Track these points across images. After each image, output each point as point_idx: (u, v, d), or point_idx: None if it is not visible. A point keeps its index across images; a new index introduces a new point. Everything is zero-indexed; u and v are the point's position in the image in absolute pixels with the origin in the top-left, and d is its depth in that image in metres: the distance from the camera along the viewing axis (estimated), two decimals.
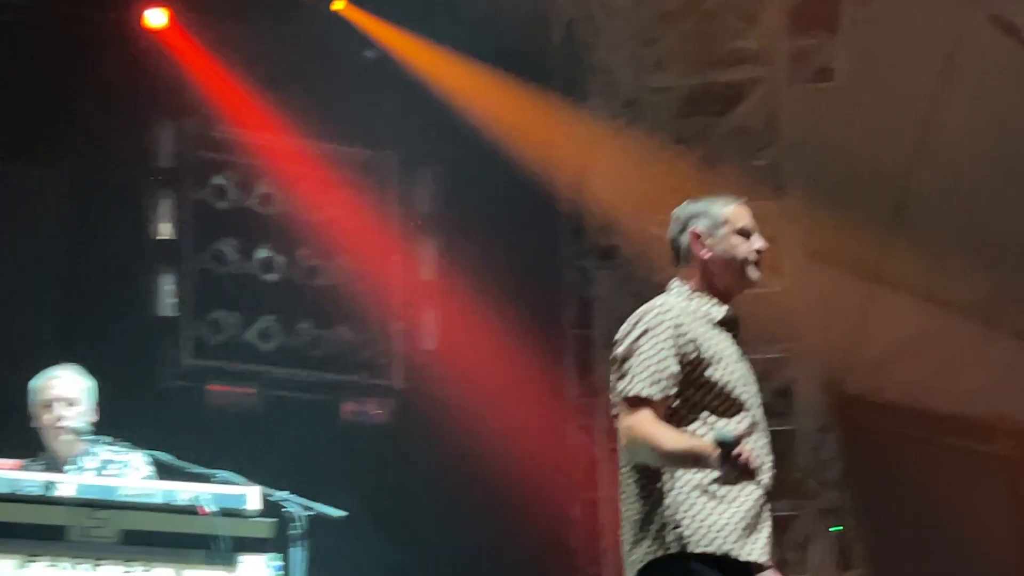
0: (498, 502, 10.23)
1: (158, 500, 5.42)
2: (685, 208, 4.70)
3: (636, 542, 4.45)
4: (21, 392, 6.69)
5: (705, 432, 4.35)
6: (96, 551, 5.24)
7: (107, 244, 9.94)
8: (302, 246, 10.70)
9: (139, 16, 10.23)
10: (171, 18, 10.28)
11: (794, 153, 11.61)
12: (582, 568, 11.05)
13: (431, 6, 10.82)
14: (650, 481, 4.41)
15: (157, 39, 10.24)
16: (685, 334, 4.42)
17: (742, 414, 4.45)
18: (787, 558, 10.98)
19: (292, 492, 5.56)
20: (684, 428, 4.37)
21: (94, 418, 6.41)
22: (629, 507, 4.50)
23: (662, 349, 4.36)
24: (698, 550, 4.28)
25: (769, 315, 12.03)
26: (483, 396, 10.30)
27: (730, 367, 4.49)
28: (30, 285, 9.85)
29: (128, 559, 5.27)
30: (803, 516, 10.76)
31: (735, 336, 4.67)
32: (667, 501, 4.35)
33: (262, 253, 10.57)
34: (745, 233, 4.61)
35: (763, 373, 12.39)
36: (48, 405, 6.52)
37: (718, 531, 4.30)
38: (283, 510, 5.52)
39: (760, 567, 4.39)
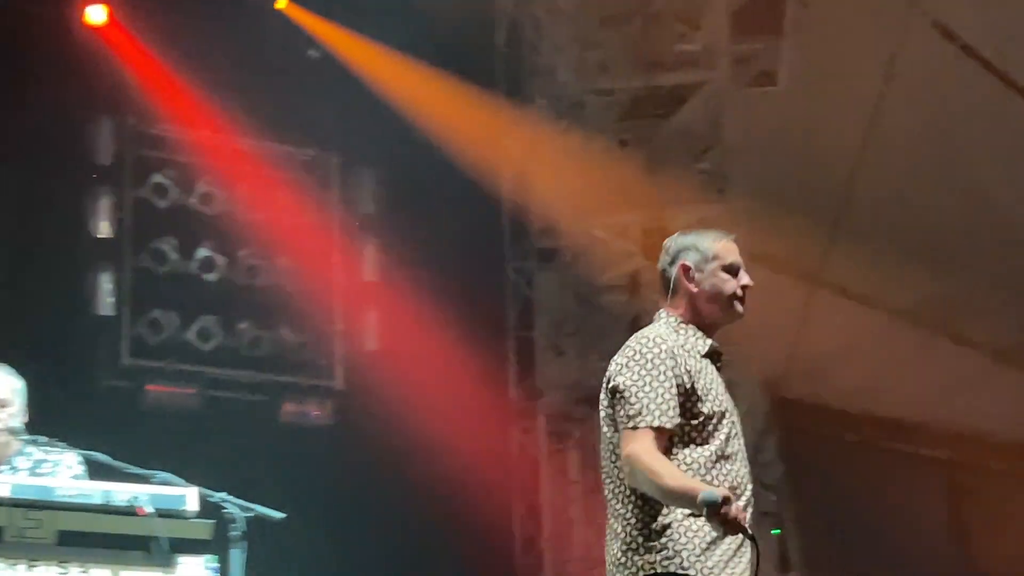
0: (439, 503, 10.21)
1: (96, 501, 5.35)
2: (676, 240, 4.78)
3: (626, 560, 4.48)
4: None
5: (683, 463, 4.49)
6: (31, 552, 5.18)
7: (45, 242, 9.85)
8: (243, 246, 10.64)
9: (79, 12, 10.14)
10: (111, 14, 10.19)
11: (736, 156, 11.66)
12: (522, 568, 11.05)
13: (375, 6, 10.78)
14: (646, 502, 4.47)
15: (97, 35, 10.15)
16: (681, 365, 4.52)
17: (719, 441, 4.56)
18: None
19: (231, 493, 5.52)
20: (673, 454, 4.49)
21: (25, 418, 6.34)
22: (621, 524, 4.53)
23: (665, 380, 4.47)
24: (692, 572, 4.38)
25: None
26: (424, 398, 10.28)
27: (718, 399, 4.60)
28: None
29: (64, 560, 5.21)
30: None
31: (718, 367, 4.76)
32: (662, 522, 4.44)
33: (202, 252, 10.50)
34: (733, 269, 4.71)
35: None
36: None
37: (699, 556, 4.43)
38: (222, 511, 5.47)
39: None
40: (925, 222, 13.01)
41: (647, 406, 4.43)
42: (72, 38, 10.02)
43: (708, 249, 4.69)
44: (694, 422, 4.53)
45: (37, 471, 6.13)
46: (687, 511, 4.45)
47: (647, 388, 4.45)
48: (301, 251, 10.81)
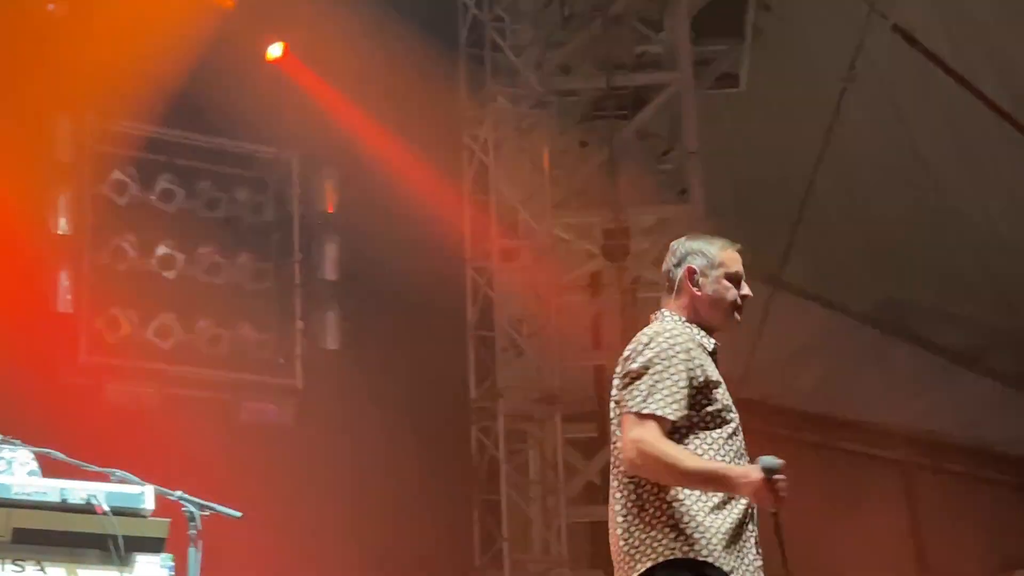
0: (398, 503, 10.21)
1: (53, 499, 5.32)
2: (684, 244, 4.84)
3: (635, 550, 4.51)
4: None
5: (698, 449, 4.53)
6: None
7: (3, 239, 9.79)
8: (202, 243, 10.60)
9: (40, 5, 10.08)
10: (70, 8, 10.13)
11: (697, 158, 11.69)
12: (482, 569, 11.06)
13: (336, 5, 10.76)
14: (650, 492, 4.50)
15: (56, 29, 10.09)
16: (694, 359, 4.59)
17: (731, 427, 4.63)
18: None
19: (189, 492, 5.50)
20: (686, 442, 4.54)
21: None
22: (626, 516, 4.56)
23: (676, 372, 4.52)
24: (700, 559, 4.44)
25: None
26: (384, 397, 10.28)
27: (726, 393, 4.69)
28: None
29: (19, 558, 5.18)
30: None
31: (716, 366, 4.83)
32: (669, 511, 4.49)
33: (162, 250, 10.46)
34: (735, 279, 4.78)
35: None
36: None
37: (710, 539, 4.47)
38: (180, 510, 5.45)
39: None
40: (884, 224, 13.10)
41: (654, 394, 4.47)
42: (32, 33, 9.96)
43: (715, 256, 4.76)
44: (709, 410, 4.57)
45: None
46: (696, 496, 4.48)
47: (658, 376, 4.49)
48: (261, 249, 10.79)
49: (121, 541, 5.18)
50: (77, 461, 5.55)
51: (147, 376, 10.28)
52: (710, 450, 4.54)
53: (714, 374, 4.63)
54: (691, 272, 4.75)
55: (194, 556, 5.23)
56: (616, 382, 4.65)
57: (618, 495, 4.63)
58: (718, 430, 4.58)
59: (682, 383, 4.51)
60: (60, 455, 5.57)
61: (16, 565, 5.15)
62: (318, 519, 10.19)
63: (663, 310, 4.79)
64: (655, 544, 4.49)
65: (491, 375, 11.36)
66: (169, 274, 10.46)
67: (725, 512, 4.53)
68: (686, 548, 4.45)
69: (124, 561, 5.21)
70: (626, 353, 4.63)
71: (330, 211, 11.14)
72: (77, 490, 5.29)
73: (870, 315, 13.53)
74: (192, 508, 5.32)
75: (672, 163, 11.94)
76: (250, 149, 10.92)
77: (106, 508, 5.21)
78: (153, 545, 5.30)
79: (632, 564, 4.52)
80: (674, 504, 4.49)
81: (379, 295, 10.69)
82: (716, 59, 12.33)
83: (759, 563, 4.63)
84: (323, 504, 10.27)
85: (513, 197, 11.57)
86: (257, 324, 10.73)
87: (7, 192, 9.88)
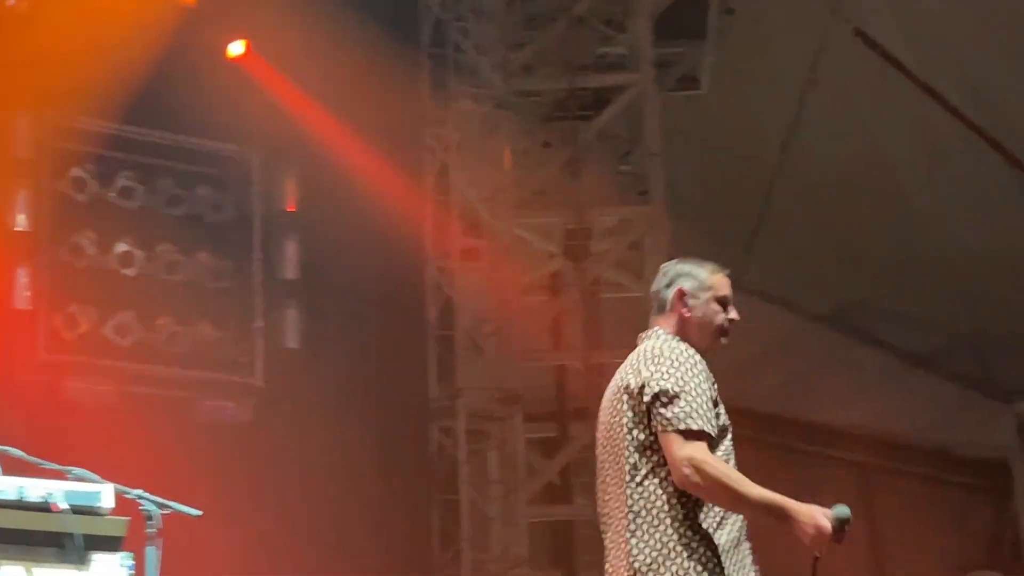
0: (358, 502, 10.18)
1: (10, 496, 5.29)
2: (674, 266, 4.96)
3: (655, 561, 4.54)
4: None
5: None
6: None
7: None
8: (162, 241, 10.55)
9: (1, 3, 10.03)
10: (31, 4, 10.07)
11: (658, 159, 11.72)
12: (441, 568, 11.05)
13: (298, 3, 10.73)
14: (684, 507, 4.55)
15: (16, 26, 10.02)
16: (709, 378, 4.69)
17: (726, 450, 4.70)
18: None
19: (148, 490, 5.48)
20: None
21: None
22: (624, 539, 4.58)
23: (704, 391, 4.62)
24: None
25: (630, 319, 12.12)
26: (344, 396, 10.25)
27: (724, 411, 4.75)
28: None
29: None
30: None
31: None
32: (687, 526, 4.56)
33: (121, 247, 10.40)
34: (724, 302, 4.88)
35: None
36: None
37: (719, 556, 4.57)
38: (138, 508, 5.42)
39: None
40: (843, 227, 13.16)
41: (696, 411, 4.54)
42: None
43: (704, 279, 4.88)
44: (718, 430, 4.66)
45: None
46: (705, 512, 4.54)
47: (695, 394, 4.57)
48: (222, 247, 10.75)
49: (79, 539, 5.16)
50: (35, 459, 5.51)
51: (106, 374, 10.22)
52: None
53: (716, 394, 4.70)
54: (681, 293, 4.83)
55: (152, 555, 5.21)
56: (627, 399, 4.65)
57: (628, 512, 4.64)
58: (719, 450, 4.64)
59: (709, 402, 4.59)
60: (18, 452, 5.53)
61: None
62: (277, 518, 10.16)
63: (657, 328, 4.83)
64: (675, 557, 4.52)
65: (451, 374, 11.36)
66: (128, 271, 10.40)
67: (727, 529, 4.62)
68: (699, 568, 4.52)
69: (82, 559, 5.19)
70: (646, 372, 4.63)
71: (291, 210, 11.10)
72: (35, 488, 5.25)
73: (831, 317, 13.59)
74: (151, 506, 5.29)
75: (633, 164, 11.97)
76: (211, 147, 10.87)
77: (64, 506, 5.18)
78: (111, 544, 5.27)
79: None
80: (692, 520, 4.56)
81: (340, 294, 10.66)
82: (678, 61, 12.36)
83: None
84: (282, 503, 10.23)
85: (474, 197, 11.57)
86: (217, 322, 10.68)
87: None
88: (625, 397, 4.67)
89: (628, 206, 11.83)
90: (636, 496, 4.62)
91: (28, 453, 5.55)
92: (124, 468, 5.83)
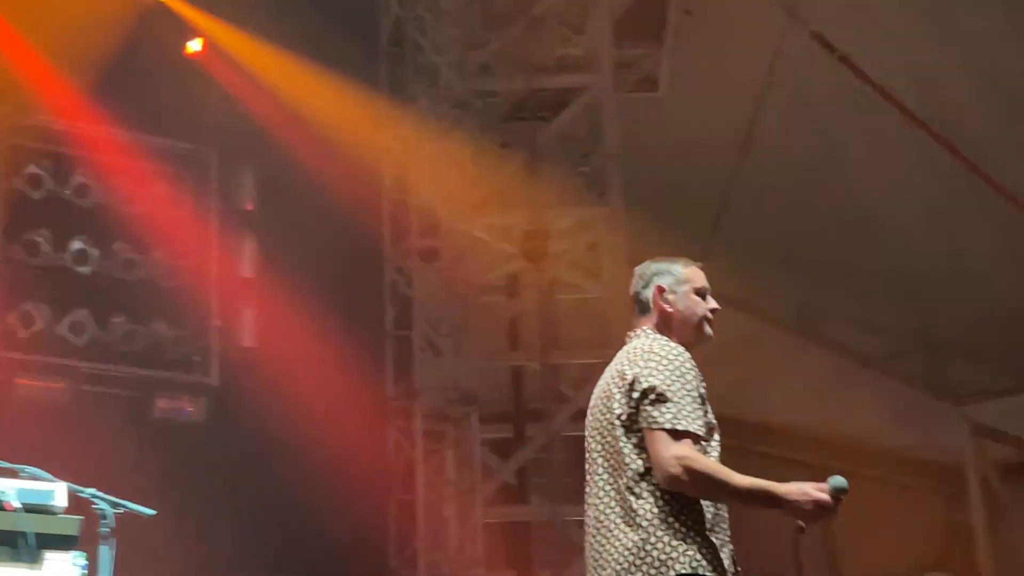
0: (314, 502, 10.16)
1: None
2: (648, 266, 5.00)
3: (659, 560, 4.54)
4: None
5: None
6: None
7: None
8: (118, 239, 10.50)
9: None
10: None
11: (616, 161, 11.74)
12: (397, 569, 11.04)
13: (257, 0, 10.72)
14: (669, 503, 4.53)
15: None
16: (699, 377, 4.72)
17: (715, 453, 4.74)
18: None
19: (102, 489, 5.45)
20: None
21: None
22: (622, 531, 4.58)
23: (692, 390, 4.64)
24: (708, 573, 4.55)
25: (588, 320, 12.15)
26: (301, 396, 10.22)
27: (711, 411, 4.79)
28: None
29: None
30: None
31: None
32: (674, 527, 4.56)
33: (76, 245, 10.35)
34: (702, 293, 4.94)
35: (580, 378, 12.58)
36: None
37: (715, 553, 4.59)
38: (92, 507, 5.40)
39: None
40: (800, 229, 13.21)
41: (683, 410, 4.57)
42: None
43: (680, 273, 4.93)
44: (706, 430, 4.69)
45: None
46: (702, 510, 4.56)
47: (681, 393, 4.60)
48: (178, 245, 10.70)
49: (32, 538, 5.13)
50: None
51: (60, 372, 10.16)
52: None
53: (705, 394, 4.73)
54: (660, 291, 4.88)
55: (106, 554, 5.18)
56: (619, 396, 4.66)
57: (609, 513, 4.64)
58: (709, 449, 4.68)
59: (697, 400, 4.62)
60: None
61: None
62: (232, 517, 10.13)
63: (644, 328, 4.85)
64: (679, 556, 4.53)
65: (409, 375, 11.35)
66: (83, 269, 10.35)
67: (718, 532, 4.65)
68: (704, 564, 4.54)
69: (35, 558, 5.16)
70: (635, 369, 4.65)
71: (248, 208, 11.07)
72: None
73: (786, 319, 13.64)
74: (104, 506, 5.28)
75: (592, 166, 11.98)
76: (168, 144, 10.83)
77: (17, 505, 5.16)
78: (65, 543, 5.25)
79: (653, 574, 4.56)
80: (689, 518, 4.57)
81: (297, 293, 10.63)
82: (637, 62, 12.39)
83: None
84: (237, 503, 10.20)
85: (433, 197, 11.55)
86: (172, 321, 10.64)
87: None
88: (615, 392, 4.68)
89: (586, 207, 11.84)
90: (632, 485, 4.63)
91: None
92: (78, 467, 5.81)
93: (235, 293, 10.92)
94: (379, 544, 10.99)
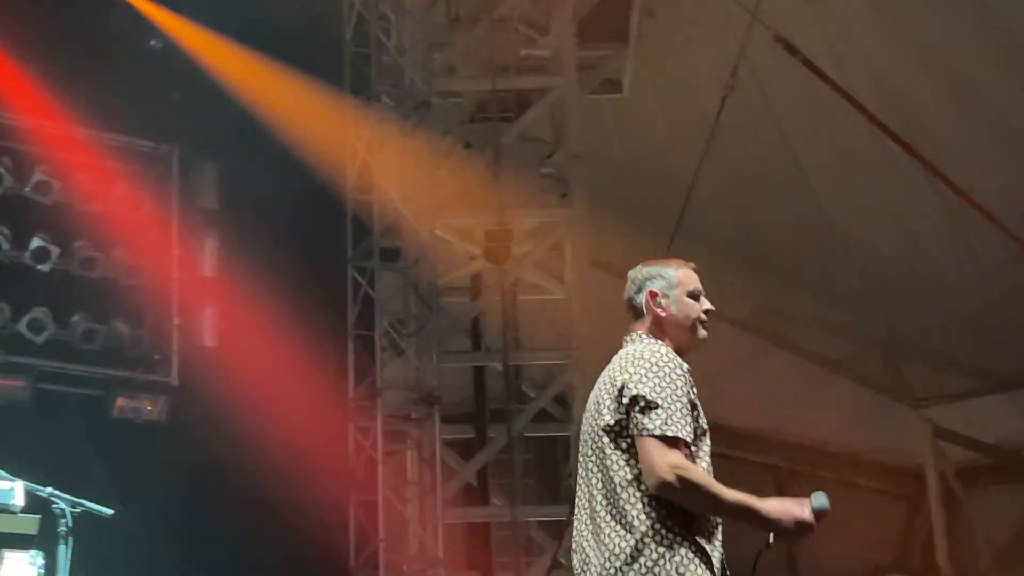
0: (274, 502, 10.13)
1: None
2: (641, 271, 4.95)
3: (657, 566, 4.54)
4: None
5: None
6: None
7: None
8: (78, 237, 10.44)
9: None
10: None
11: (580, 162, 11.75)
12: (357, 568, 11.01)
13: None
14: (659, 508, 4.53)
15: None
16: (688, 382, 4.68)
17: (706, 460, 4.73)
18: (561, 561, 11.11)
19: (60, 488, 5.42)
20: None
21: None
22: (612, 533, 4.58)
23: (682, 396, 4.61)
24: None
25: (550, 321, 12.16)
26: (262, 395, 10.19)
27: (703, 417, 4.75)
28: None
29: None
30: None
31: None
32: (662, 533, 4.54)
33: (36, 242, 10.28)
34: (695, 295, 4.91)
35: (542, 379, 12.57)
36: None
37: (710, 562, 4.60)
38: (50, 506, 5.37)
39: None
40: (761, 233, 13.26)
41: (672, 416, 4.55)
42: None
43: (672, 276, 4.89)
44: (696, 435, 4.66)
45: None
46: (686, 521, 4.56)
47: (671, 400, 4.58)
48: (139, 244, 10.65)
49: None
50: None
51: (19, 370, 10.11)
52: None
53: (696, 399, 4.71)
54: (653, 295, 4.84)
55: (64, 553, 5.16)
56: (608, 402, 4.65)
57: (598, 515, 4.64)
58: (700, 455, 4.66)
59: (687, 407, 4.59)
60: None
61: None
62: (192, 518, 10.09)
63: (639, 332, 4.84)
64: (666, 563, 4.53)
65: (370, 375, 11.32)
66: (43, 267, 10.30)
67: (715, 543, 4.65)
68: (692, 569, 4.53)
69: None
70: (624, 376, 4.64)
71: (210, 207, 11.03)
72: None
73: (747, 321, 13.67)
74: (63, 505, 5.25)
75: (555, 167, 11.99)
76: (129, 142, 10.78)
77: None
78: (22, 541, 5.22)
79: None
80: (677, 523, 4.55)
81: (258, 292, 10.60)
82: (600, 64, 12.40)
83: None
84: (197, 502, 10.16)
85: (396, 197, 11.53)
86: (132, 320, 10.59)
87: None
88: (606, 398, 4.67)
89: (549, 208, 11.85)
90: (619, 491, 4.62)
91: None
92: (35, 466, 5.78)
93: (196, 292, 10.88)
94: (340, 544, 10.96)
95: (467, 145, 12.08)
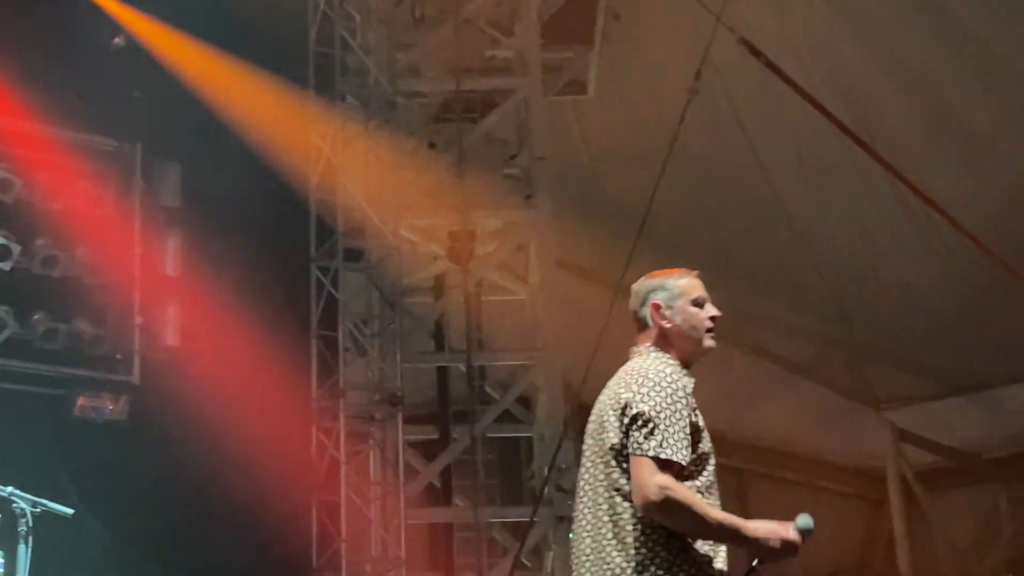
0: (236, 502, 10.10)
1: None
2: (643, 283, 4.94)
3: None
4: None
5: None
6: None
7: None
8: (40, 235, 10.39)
9: None
10: None
11: (544, 163, 11.76)
12: (319, 569, 10.99)
13: None
14: (647, 531, 4.56)
15: None
16: (690, 403, 4.68)
17: (709, 478, 4.72)
18: (524, 563, 11.11)
19: (20, 488, 5.40)
20: None
21: None
22: (614, 552, 4.57)
23: (682, 418, 4.60)
24: None
25: (514, 322, 12.17)
26: (224, 395, 10.16)
27: (708, 438, 4.75)
28: None
29: None
30: (541, 522, 10.88)
31: None
32: (665, 555, 4.55)
33: None
34: (700, 303, 4.89)
35: (506, 379, 12.57)
36: None
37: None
38: (11, 506, 5.34)
39: None
40: (726, 234, 13.30)
41: (668, 439, 4.54)
42: None
43: (675, 286, 4.88)
44: (698, 457, 4.65)
45: None
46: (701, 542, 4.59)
47: (669, 421, 4.56)
48: (101, 243, 10.60)
49: None
50: None
51: None
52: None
53: (700, 420, 4.70)
54: (657, 307, 4.83)
55: (24, 552, 5.14)
56: (613, 420, 4.64)
57: (604, 531, 4.64)
58: (700, 478, 4.65)
59: (687, 428, 4.58)
60: None
61: None
62: (154, 518, 10.05)
63: (647, 345, 4.82)
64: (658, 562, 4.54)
65: (333, 375, 11.29)
66: (4, 265, 10.24)
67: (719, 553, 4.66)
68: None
69: None
70: (628, 394, 4.63)
71: (173, 206, 10.99)
72: None
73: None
74: (23, 504, 5.23)
75: (519, 168, 12.00)
76: (91, 140, 10.73)
77: None
78: None
79: None
80: (678, 537, 4.56)
81: (221, 292, 10.57)
82: (565, 65, 12.42)
83: None
84: (159, 503, 10.12)
85: (360, 197, 11.51)
86: (94, 319, 10.54)
87: None
88: (611, 416, 4.66)
89: (514, 209, 11.86)
90: (618, 505, 4.62)
91: None
92: None
93: (158, 291, 10.84)
94: (302, 544, 10.93)
95: (431, 145, 12.08)
